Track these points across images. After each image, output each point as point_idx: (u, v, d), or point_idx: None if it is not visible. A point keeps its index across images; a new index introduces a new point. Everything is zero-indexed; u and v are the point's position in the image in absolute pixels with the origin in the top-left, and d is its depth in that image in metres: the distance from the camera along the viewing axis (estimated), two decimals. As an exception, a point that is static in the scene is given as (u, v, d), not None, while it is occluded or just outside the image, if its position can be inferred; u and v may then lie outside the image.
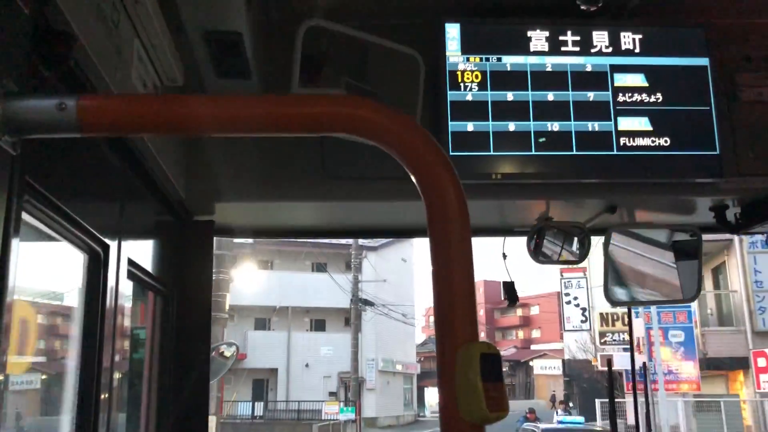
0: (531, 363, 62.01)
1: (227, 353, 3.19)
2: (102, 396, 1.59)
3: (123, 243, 1.77)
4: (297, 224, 3.05)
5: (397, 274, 38.50)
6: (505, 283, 2.81)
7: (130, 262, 1.86)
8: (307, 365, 36.56)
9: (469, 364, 0.95)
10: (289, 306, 36.36)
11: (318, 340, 37.75)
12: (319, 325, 39.64)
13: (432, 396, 52.04)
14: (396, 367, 40.98)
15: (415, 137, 1.07)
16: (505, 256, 2.86)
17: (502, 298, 2.92)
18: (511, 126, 2.45)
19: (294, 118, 1.10)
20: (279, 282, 35.97)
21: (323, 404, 32.35)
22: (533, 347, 65.75)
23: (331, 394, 36.84)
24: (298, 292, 36.60)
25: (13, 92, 1.07)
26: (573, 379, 40.50)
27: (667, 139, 2.47)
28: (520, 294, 2.81)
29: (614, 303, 2.71)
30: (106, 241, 1.65)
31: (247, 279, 32.22)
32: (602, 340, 24.43)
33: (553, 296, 71.68)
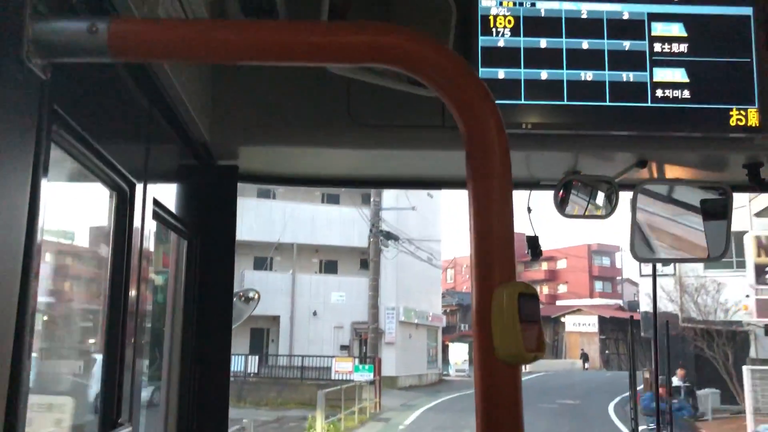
0: (562, 319, 62.74)
1: (249, 298, 3.65)
2: (128, 334, 1.78)
3: (149, 184, 1.94)
4: (322, 172, 3.28)
5: (422, 209, 36.78)
6: (528, 237, 3.07)
7: (156, 203, 2.05)
8: (314, 313, 35.52)
9: (507, 304, 1.05)
10: (294, 243, 34.97)
11: (328, 283, 36.49)
12: (329, 267, 38.23)
13: (457, 353, 50.38)
14: (419, 318, 39.60)
15: (458, 71, 1.15)
16: (530, 210, 3.10)
17: (526, 252, 3.18)
18: (544, 74, 2.65)
19: (334, 46, 1.17)
20: (283, 214, 34.50)
21: (333, 360, 30.52)
22: (559, 303, 67.24)
23: (343, 347, 35.58)
24: (306, 227, 35.05)
25: (43, 13, 1.14)
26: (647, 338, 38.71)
27: (704, 91, 2.66)
28: (545, 247, 3.16)
29: (640, 259, 3.06)
30: (133, 179, 1.80)
31: (246, 210, 32.21)
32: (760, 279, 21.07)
33: (582, 249, 72.34)
